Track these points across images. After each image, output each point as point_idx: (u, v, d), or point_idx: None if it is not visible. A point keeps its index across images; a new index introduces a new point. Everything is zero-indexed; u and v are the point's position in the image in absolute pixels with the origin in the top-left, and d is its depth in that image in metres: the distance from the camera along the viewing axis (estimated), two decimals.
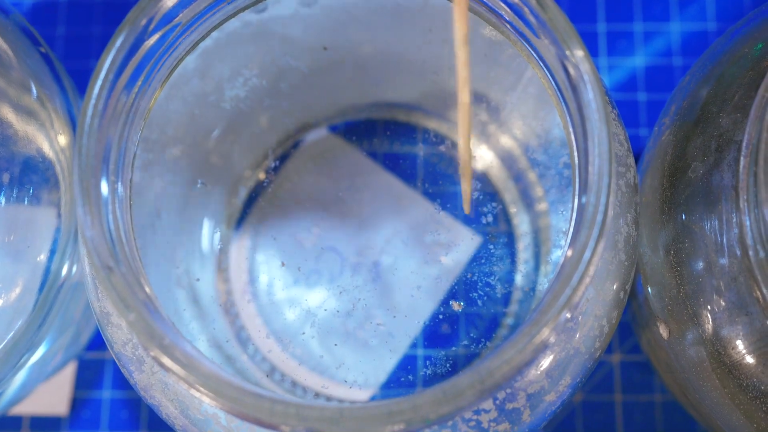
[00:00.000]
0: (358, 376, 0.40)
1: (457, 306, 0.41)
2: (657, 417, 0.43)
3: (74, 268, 0.36)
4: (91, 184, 0.27)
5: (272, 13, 0.36)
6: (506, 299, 0.41)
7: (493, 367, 0.25)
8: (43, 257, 0.34)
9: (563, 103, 0.29)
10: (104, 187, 0.28)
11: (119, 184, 0.29)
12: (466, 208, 0.36)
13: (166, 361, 0.25)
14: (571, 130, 0.29)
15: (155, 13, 0.28)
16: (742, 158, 0.28)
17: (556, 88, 0.29)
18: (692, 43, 0.47)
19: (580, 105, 0.27)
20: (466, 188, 0.34)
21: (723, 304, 0.30)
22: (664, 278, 0.32)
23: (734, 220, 0.29)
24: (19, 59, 0.34)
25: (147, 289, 0.27)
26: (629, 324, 0.43)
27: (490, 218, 0.42)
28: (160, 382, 0.29)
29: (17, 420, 0.44)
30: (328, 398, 0.40)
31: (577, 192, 0.28)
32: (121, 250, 0.27)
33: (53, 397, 0.44)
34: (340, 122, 0.44)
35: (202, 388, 0.25)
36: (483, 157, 0.42)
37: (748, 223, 0.27)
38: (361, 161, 0.43)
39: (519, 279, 0.41)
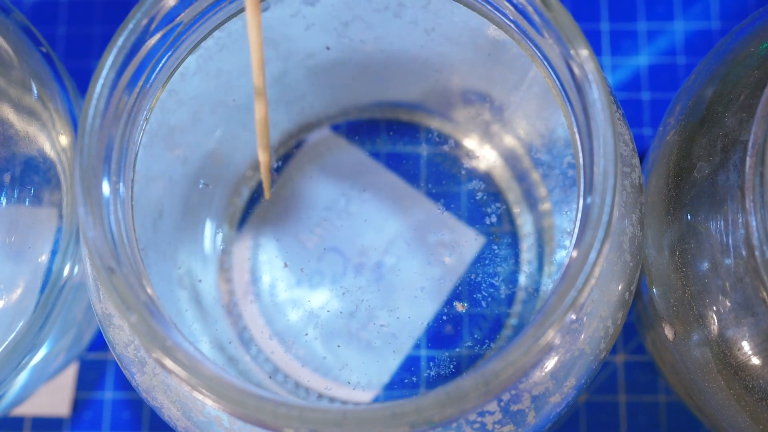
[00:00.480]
0: (361, 377, 0.40)
1: (460, 307, 0.41)
2: (661, 418, 0.42)
3: (76, 269, 0.35)
4: (93, 184, 0.27)
5: (275, 12, 0.36)
6: (510, 300, 0.41)
7: (497, 369, 0.25)
8: (44, 258, 0.34)
9: (568, 103, 0.29)
10: (106, 188, 0.27)
11: (121, 184, 0.29)
12: (267, 194, 0.35)
13: (168, 363, 0.25)
14: (575, 129, 0.28)
15: (156, 12, 0.28)
16: (748, 158, 0.28)
17: (560, 87, 0.29)
18: (696, 42, 0.47)
19: (585, 105, 0.27)
20: (264, 171, 0.33)
21: (729, 305, 0.30)
22: (669, 279, 0.32)
23: (740, 220, 0.28)
24: (20, 59, 0.34)
25: (149, 290, 0.27)
26: (633, 324, 0.43)
27: (493, 218, 0.42)
28: (162, 384, 0.29)
29: (19, 421, 0.44)
30: (332, 399, 0.40)
31: (582, 192, 0.27)
32: (123, 251, 0.27)
33: (55, 398, 0.44)
34: (343, 122, 0.44)
35: (204, 391, 0.25)
36: (486, 157, 0.42)
37: (754, 223, 0.27)
38: (364, 161, 0.43)
39: (523, 279, 0.41)
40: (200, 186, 0.40)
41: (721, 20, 0.48)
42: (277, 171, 0.43)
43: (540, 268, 0.41)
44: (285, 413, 0.25)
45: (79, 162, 0.27)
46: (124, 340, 0.29)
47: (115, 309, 0.27)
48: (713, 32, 0.47)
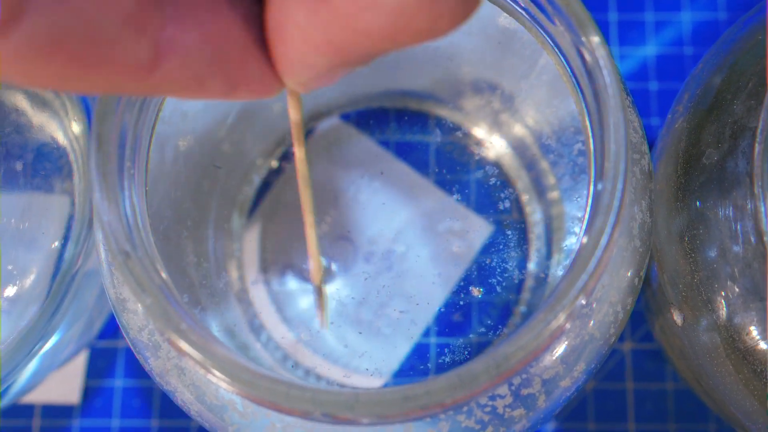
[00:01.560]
0: (371, 364, 0.40)
1: (476, 292, 0.41)
2: (669, 404, 0.43)
3: (88, 256, 0.36)
4: (108, 169, 0.27)
5: None
6: (519, 287, 0.41)
7: (508, 352, 0.25)
8: (56, 245, 0.34)
9: (578, 90, 0.29)
10: (121, 173, 0.28)
11: (135, 170, 0.29)
12: (322, 323, 0.35)
13: (183, 345, 0.25)
14: (586, 116, 0.29)
15: None
16: (756, 145, 0.28)
17: (571, 74, 0.29)
18: (703, 33, 0.47)
19: (596, 91, 0.27)
20: (321, 304, 0.34)
21: (737, 290, 0.30)
22: (678, 265, 0.32)
23: (749, 206, 0.29)
24: None
25: (163, 275, 0.27)
26: (641, 312, 0.43)
27: (503, 206, 0.42)
28: (176, 368, 0.29)
29: (29, 408, 0.44)
30: (342, 386, 0.40)
31: (592, 179, 0.28)
32: (138, 236, 0.27)
33: (65, 386, 0.44)
34: (353, 111, 0.44)
35: (218, 373, 0.25)
36: (496, 146, 0.42)
37: (763, 209, 0.27)
38: (374, 150, 0.43)
39: (532, 267, 0.41)
40: (213, 168, 0.40)
41: (727, 11, 0.48)
42: (287, 159, 0.43)
43: (548, 255, 0.41)
44: (298, 395, 0.25)
45: (95, 147, 0.27)
46: (138, 324, 0.29)
47: (130, 292, 0.27)
48: (720, 23, 0.47)
